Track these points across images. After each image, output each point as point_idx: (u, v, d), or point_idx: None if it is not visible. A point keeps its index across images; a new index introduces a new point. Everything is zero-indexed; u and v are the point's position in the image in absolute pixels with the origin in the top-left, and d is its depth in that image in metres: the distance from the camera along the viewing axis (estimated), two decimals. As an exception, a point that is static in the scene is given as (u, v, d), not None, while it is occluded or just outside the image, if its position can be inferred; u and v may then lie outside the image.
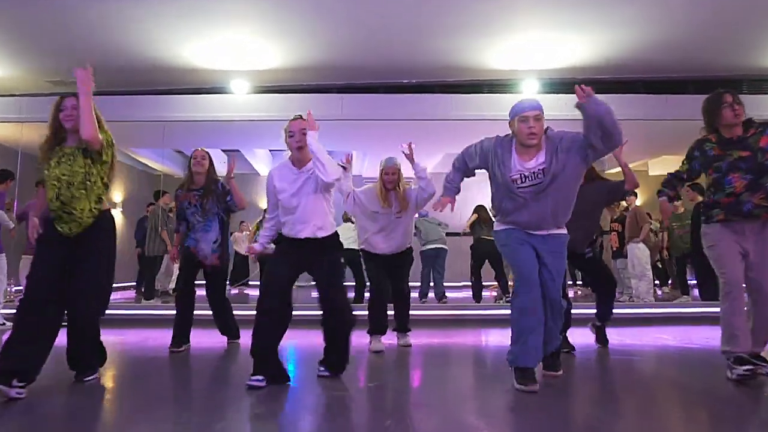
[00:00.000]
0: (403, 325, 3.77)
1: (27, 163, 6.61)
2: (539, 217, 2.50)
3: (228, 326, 3.86)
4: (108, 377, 2.82)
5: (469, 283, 6.58)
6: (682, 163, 2.88)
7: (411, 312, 3.83)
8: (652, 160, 9.74)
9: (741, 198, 2.64)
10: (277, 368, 2.57)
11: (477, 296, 6.23)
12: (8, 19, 5.04)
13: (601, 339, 3.58)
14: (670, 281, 8.35)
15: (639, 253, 6.42)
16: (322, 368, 2.73)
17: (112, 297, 7.16)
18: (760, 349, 2.64)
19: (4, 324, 4.74)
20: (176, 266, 7.66)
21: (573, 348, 3.36)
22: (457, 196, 2.83)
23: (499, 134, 2.66)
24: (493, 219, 3.09)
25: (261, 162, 9.38)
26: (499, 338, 3.87)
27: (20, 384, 2.28)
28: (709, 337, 3.95)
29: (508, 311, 2.54)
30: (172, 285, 7.70)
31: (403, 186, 3.58)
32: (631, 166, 9.92)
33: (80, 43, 5.54)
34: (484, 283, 6.41)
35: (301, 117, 2.72)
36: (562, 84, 6.40)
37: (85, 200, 2.54)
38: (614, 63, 6.05)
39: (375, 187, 3.59)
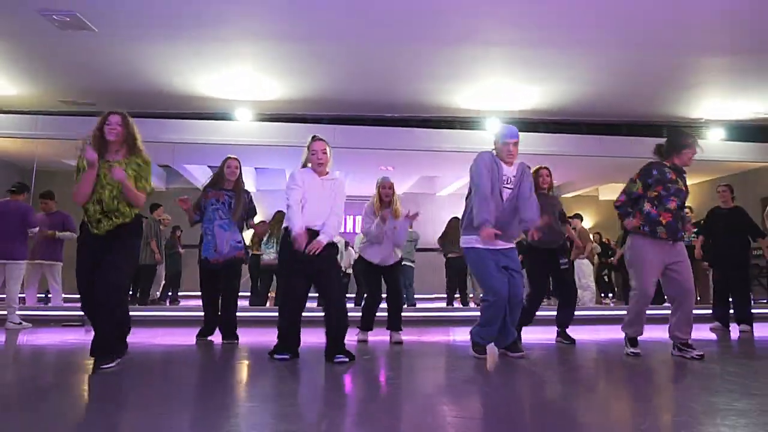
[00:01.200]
0: (397, 324, 4.14)
1: (41, 177, 6.99)
2: (507, 221, 3.27)
3: (232, 326, 4.00)
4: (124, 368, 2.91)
5: (440, 295, 7.51)
6: (634, 182, 3.45)
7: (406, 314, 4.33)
8: (602, 186, 11.07)
9: (675, 223, 3.31)
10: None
11: (450, 300, 7.15)
12: (30, 44, 5.47)
13: (567, 338, 4.13)
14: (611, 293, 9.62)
15: (584, 267, 7.52)
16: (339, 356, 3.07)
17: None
18: (687, 338, 3.36)
19: (21, 324, 5.07)
20: (163, 276, 8.20)
21: (573, 341, 4.06)
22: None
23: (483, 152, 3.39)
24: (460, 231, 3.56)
25: (247, 179, 9.99)
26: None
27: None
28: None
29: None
30: (158, 294, 8.14)
31: (397, 202, 4.14)
32: (583, 192, 11.44)
33: (97, 68, 6.03)
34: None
35: (320, 139, 3.27)
36: (520, 123, 7.43)
37: (128, 210, 2.89)
38: (562, 107, 7.19)
39: (372, 203, 4.12)
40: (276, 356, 3.21)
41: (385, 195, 4.09)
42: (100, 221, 2.84)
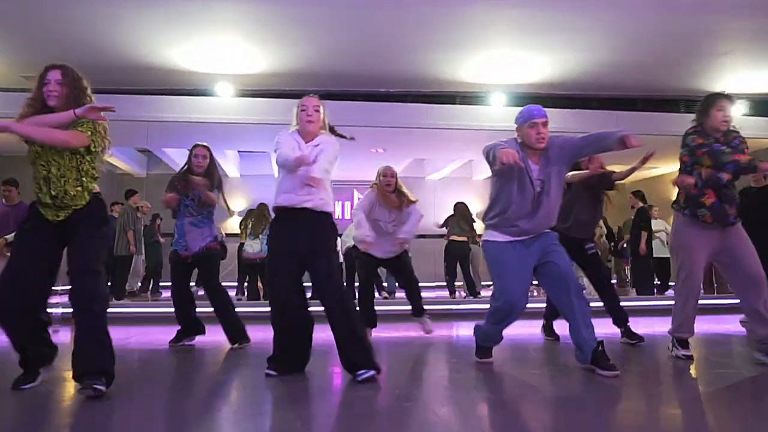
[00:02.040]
0: (418, 309, 4.02)
1: (1, 163, 6.39)
2: (537, 223, 2.68)
3: (237, 326, 3.59)
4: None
5: (438, 284, 7.00)
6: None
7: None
8: (607, 167, 10.55)
9: (725, 207, 2.81)
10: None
11: (452, 292, 6.62)
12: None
13: (633, 335, 3.52)
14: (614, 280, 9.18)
15: (592, 253, 7.07)
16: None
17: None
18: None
19: None
20: (143, 267, 7.70)
21: (558, 338, 3.66)
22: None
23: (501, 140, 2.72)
24: (479, 222, 3.31)
25: (231, 163, 9.42)
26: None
27: None
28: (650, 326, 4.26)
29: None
30: (138, 286, 7.65)
31: (403, 187, 3.84)
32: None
33: (62, 37, 5.50)
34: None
35: (314, 96, 2.79)
36: (527, 98, 6.93)
37: (81, 196, 2.39)
38: (572, 80, 6.66)
39: (374, 196, 3.77)
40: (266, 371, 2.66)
41: (386, 184, 3.81)
42: (49, 206, 2.38)
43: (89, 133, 2.36)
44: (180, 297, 3.65)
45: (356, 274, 4.24)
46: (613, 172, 3.64)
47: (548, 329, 3.79)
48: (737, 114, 6.93)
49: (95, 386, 2.14)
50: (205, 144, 3.70)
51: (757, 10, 4.97)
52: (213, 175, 3.62)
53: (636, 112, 7.02)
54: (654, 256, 6.95)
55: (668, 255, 7.02)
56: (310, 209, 2.64)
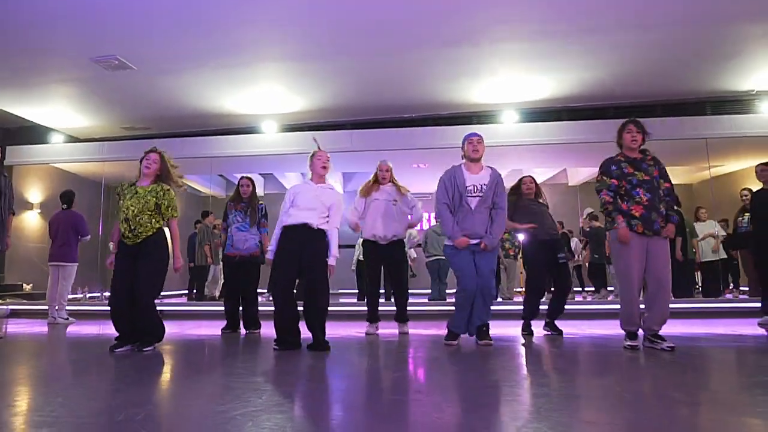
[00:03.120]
0: (402, 316, 4.32)
1: (108, 194, 8.21)
2: (479, 226, 3.54)
3: (254, 319, 4.61)
4: (168, 349, 3.77)
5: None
6: (603, 180, 3.33)
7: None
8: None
9: (651, 216, 3.19)
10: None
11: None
12: (90, 84, 6.45)
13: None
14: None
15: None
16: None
17: (171, 300, 8.62)
18: (658, 329, 3.30)
19: (67, 319, 5.76)
20: (221, 275, 9.09)
21: (561, 332, 4.15)
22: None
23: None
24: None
25: (293, 183, 10.71)
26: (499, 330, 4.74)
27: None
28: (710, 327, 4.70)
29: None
30: (218, 292, 9.05)
31: (399, 185, 4.38)
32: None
33: (149, 99, 6.99)
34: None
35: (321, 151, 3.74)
36: (538, 113, 7.29)
37: (150, 231, 3.56)
38: (583, 93, 6.85)
39: (367, 185, 4.42)
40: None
41: (382, 177, 4.36)
42: (127, 237, 3.58)
43: (173, 213, 3.70)
44: (231, 297, 4.64)
45: (366, 273, 4.58)
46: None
47: (552, 325, 4.28)
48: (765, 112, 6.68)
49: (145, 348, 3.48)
50: (248, 176, 4.85)
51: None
52: (253, 198, 4.76)
53: (656, 119, 7.02)
54: (703, 260, 6.88)
55: (714, 258, 6.94)
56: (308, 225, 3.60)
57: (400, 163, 8.33)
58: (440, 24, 5.04)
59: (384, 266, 4.39)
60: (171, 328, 4.85)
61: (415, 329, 4.67)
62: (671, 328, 4.00)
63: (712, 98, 6.89)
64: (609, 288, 7.81)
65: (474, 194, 3.57)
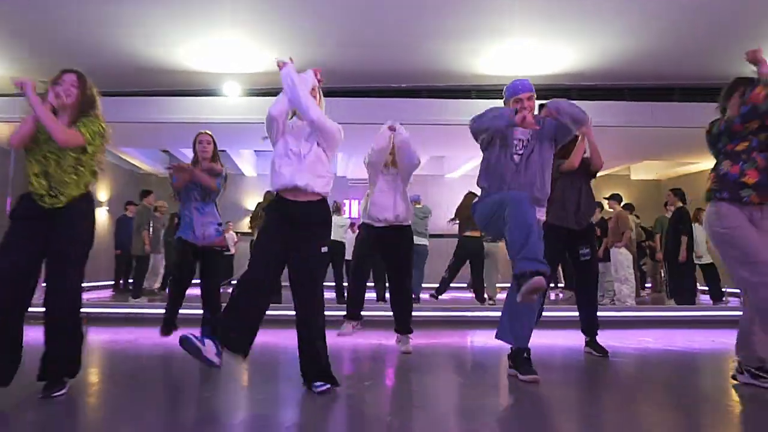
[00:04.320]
0: (405, 326, 3.47)
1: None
2: (528, 184, 2.63)
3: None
4: (101, 376, 2.81)
5: (456, 285, 6.62)
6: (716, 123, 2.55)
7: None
8: (635, 165, 9.94)
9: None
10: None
11: (441, 290, 6.05)
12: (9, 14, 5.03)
13: (598, 348, 3.33)
14: (649, 284, 8.55)
15: (621, 257, 6.54)
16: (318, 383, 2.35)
17: (95, 295, 7.18)
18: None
19: None
20: (162, 266, 7.77)
21: (606, 352, 3.29)
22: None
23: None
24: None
25: (247, 163, 9.39)
26: (484, 339, 3.93)
27: None
28: (691, 339, 4.09)
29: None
30: (158, 285, 7.71)
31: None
32: (614, 170, 10.06)
33: (72, 42, 5.57)
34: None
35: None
36: (549, 90, 6.49)
37: (75, 186, 2.36)
38: (601, 70, 6.17)
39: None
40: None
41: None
42: (43, 197, 2.35)
43: (88, 135, 2.36)
44: (181, 292, 3.52)
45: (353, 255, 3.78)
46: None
47: (592, 343, 3.41)
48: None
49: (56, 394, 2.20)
50: (207, 131, 3.67)
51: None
52: (216, 161, 3.59)
53: (674, 103, 6.44)
54: (704, 262, 6.45)
55: (711, 261, 6.52)
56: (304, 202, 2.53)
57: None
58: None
59: (385, 257, 3.58)
60: (99, 337, 3.70)
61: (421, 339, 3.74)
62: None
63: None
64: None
65: (519, 150, 2.69)
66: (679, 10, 4.92)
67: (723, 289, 6.60)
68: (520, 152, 2.69)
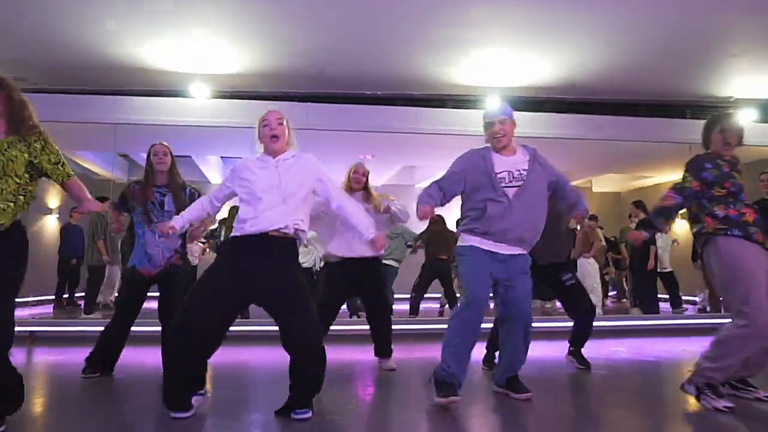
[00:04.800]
0: (386, 348, 3.36)
1: None
2: (518, 223, 2.51)
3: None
4: (46, 407, 2.51)
5: (432, 295, 6.53)
6: (684, 178, 2.63)
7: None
8: (597, 177, 10.25)
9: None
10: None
11: (415, 310, 5.99)
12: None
13: (583, 362, 3.43)
14: (612, 292, 8.80)
15: (590, 267, 6.68)
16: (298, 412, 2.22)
17: (41, 311, 6.63)
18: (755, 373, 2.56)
19: None
20: (119, 277, 7.28)
21: (588, 365, 3.36)
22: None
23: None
24: (456, 234, 3.06)
25: (212, 169, 9.00)
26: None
27: None
28: (662, 349, 4.14)
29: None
30: (113, 297, 7.22)
31: (374, 193, 3.43)
32: (576, 183, 10.31)
33: (28, 34, 5.10)
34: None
35: (275, 110, 2.46)
36: (525, 102, 6.57)
37: (9, 216, 2.05)
38: (573, 83, 6.29)
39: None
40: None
41: (356, 181, 3.42)
42: None
43: (70, 172, 2.23)
44: (122, 322, 3.15)
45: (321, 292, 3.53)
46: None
47: (577, 354, 3.47)
48: (747, 120, 6.58)
49: None
50: (164, 142, 3.29)
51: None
52: (175, 176, 3.24)
53: (639, 118, 6.64)
54: (665, 270, 6.69)
55: (671, 269, 6.78)
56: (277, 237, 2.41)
57: (347, 149, 7.25)
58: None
59: (358, 289, 3.45)
60: (46, 359, 3.31)
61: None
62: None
63: (693, 101, 6.66)
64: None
65: (510, 183, 2.56)
66: (646, 29, 5.08)
67: (680, 296, 6.87)
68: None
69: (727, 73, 6.06)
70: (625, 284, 8.40)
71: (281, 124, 2.39)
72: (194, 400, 2.27)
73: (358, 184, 3.40)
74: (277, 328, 2.22)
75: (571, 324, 3.51)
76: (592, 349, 3.57)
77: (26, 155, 2.09)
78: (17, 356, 3.39)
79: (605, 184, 10.60)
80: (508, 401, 2.59)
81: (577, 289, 3.41)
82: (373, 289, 3.36)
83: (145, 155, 3.36)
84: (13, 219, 2.07)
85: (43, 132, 2.17)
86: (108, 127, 5.73)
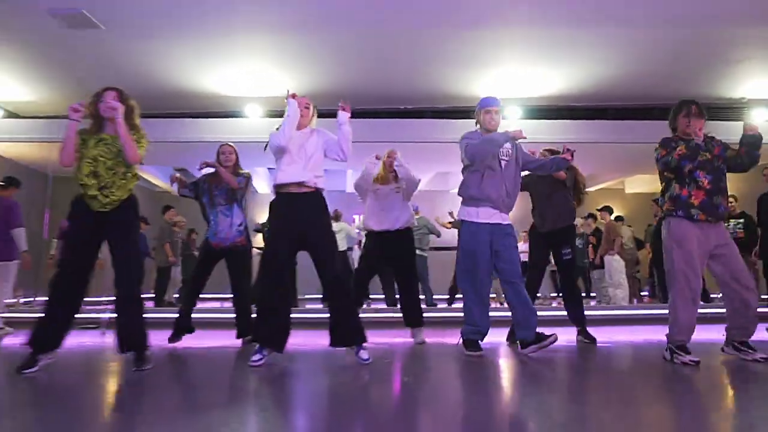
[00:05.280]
0: (416, 318, 3.78)
1: (57, 185, 6.96)
2: (503, 190, 3.28)
3: (249, 324, 3.80)
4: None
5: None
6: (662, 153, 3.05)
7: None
8: (629, 178, 10.47)
9: (713, 200, 2.91)
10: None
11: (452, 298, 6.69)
12: (42, 46, 5.49)
13: (588, 336, 3.83)
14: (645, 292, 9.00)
15: (615, 264, 7.06)
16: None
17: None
18: (747, 337, 3.02)
19: (3, 328, 4.76)
20: (180, 277, 8.13)
21: (594, 339, 3.79)
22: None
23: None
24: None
25: (261, 180, 9.87)
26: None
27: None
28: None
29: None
30: (175, 294, 8.08)
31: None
32: (608, 184, 10.73)
33: (109, 71, 6.03)
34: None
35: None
36: (541, 111, 7.09)
37: (123, 189, 2.82)
38: (587, 92, 6.76)
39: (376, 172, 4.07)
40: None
41: (389, 164, 4.06)
42: (95, 197, 2.77)
43: (143, 153, 2.92)
44: (194, 286, 3.94)
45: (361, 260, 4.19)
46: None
47: (584, 332, 3.90)
48: (759, 120, 6.86)
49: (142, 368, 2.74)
50: (230, 143, 4.12)
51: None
52: (238, 170, 4.06)
53: (653, 121, 7.02)
54: None
55: None
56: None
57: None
58: (455, 2, 4.69)
59: (391, 263, 4.00)
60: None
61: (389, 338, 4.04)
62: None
63: (706, 103, 6.94)
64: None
65: (503, 156, 3.37)
66: (654, 40, 5.52)
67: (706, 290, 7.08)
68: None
69: (738, 76, 6.35)
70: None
71: (308, 107, 3.29)
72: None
73: (391, 167, 4.05)
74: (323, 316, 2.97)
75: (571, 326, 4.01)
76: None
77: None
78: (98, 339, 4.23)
79: (637, 185, 10.72)
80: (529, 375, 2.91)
81: (572, 265, 3.88)
82: (403, 258, 3.90)
83: (197, 168, 4.18)
84: (129, 192, 2.87)
85: (141, 129, 2.98)
86: (170, 145, 6.63)
